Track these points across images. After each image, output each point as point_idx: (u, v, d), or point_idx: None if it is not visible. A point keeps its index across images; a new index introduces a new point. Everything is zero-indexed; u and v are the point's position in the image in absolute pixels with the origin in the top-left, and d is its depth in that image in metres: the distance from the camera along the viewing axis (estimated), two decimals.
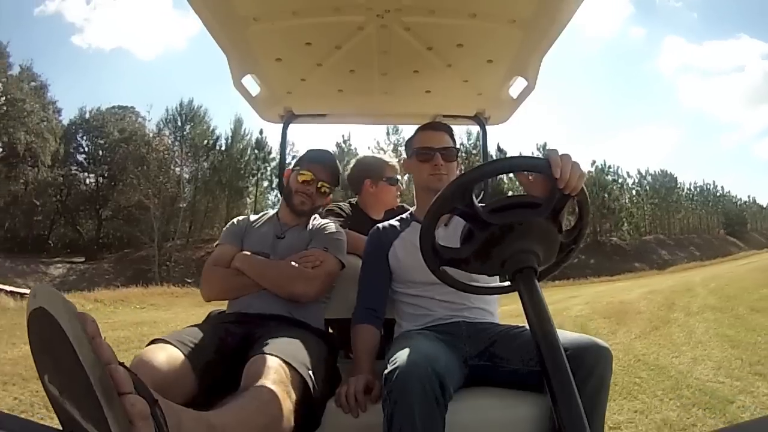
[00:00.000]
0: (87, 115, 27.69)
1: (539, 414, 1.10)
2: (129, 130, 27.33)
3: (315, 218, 1.70)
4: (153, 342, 1.16)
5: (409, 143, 1.53)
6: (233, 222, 1.68)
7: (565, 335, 1.10)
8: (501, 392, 1.18)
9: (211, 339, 1.24)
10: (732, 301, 6.99)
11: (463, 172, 0.95)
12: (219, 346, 1.22)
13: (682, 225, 39.81)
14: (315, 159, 1.64)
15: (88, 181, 28.16)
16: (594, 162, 37.66)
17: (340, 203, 2.18)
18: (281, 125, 2.08)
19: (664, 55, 68.80)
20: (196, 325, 1.37)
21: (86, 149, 27.96)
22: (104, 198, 27.36)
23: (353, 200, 2.18)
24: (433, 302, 1.37)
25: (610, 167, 37.35)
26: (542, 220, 0.84)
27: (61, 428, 0.65)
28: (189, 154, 26.99)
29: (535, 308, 0.77)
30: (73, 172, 27.68)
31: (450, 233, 1.35)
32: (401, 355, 1.02)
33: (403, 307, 1.44)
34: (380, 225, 1.54)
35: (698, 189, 42.33)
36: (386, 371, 1.02)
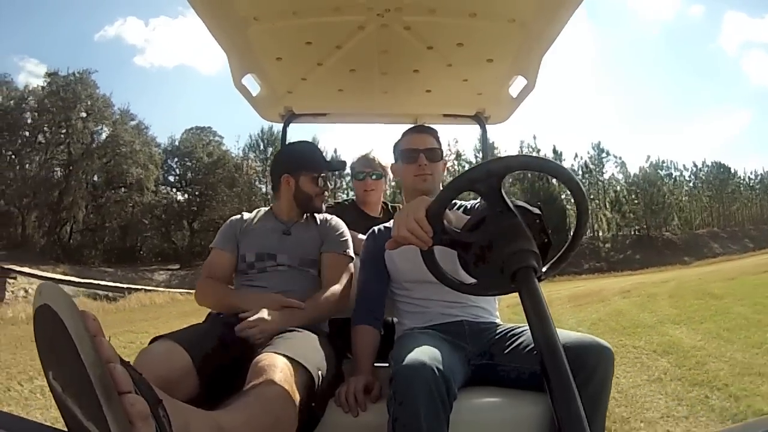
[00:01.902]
0: (176, 143, 33.93)
1: (541, 413, 1.10)
2: (216, 154, 33.44)
3: (326, 216, 1.68)
4: (155, 340, 1.16)
5: (395, 147, 1.55)
6: (228, 223, 1.63)
7: (568, 335, 1.10)
8: (503, 392, 1.18)
9: (213, 338, 1.24)
10: (671, 290, 8.92)
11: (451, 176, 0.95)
12: (221, 345, 1.22)
13: (743, 216, 39.77)
14: (323, 161, 1.67)
15: (179, 198, 33.82)
16: (648, 157, 39.74)
17: (338, 201, 2.24)
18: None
19: (725, 32, 66.22)
20: (197, 324, 1.37)
21: (177, 172, 34.13)
22: (195, 213, 31.91)
23: (352, 198, 2.22)
24: (432, 302, 1.37)
25: (663, 162, 39.23)
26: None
27: (61, 428, 0.65)
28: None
29: (535, 308, 0.77)
30: (165, 191, 33.00)
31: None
32: (407, 356, 1.02)
33: (404, 307, 1.44)
34: (376, 227, 1.55)
35: (758, 177, 41.89)
36: (392, 371, 1.02)
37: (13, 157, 25.07)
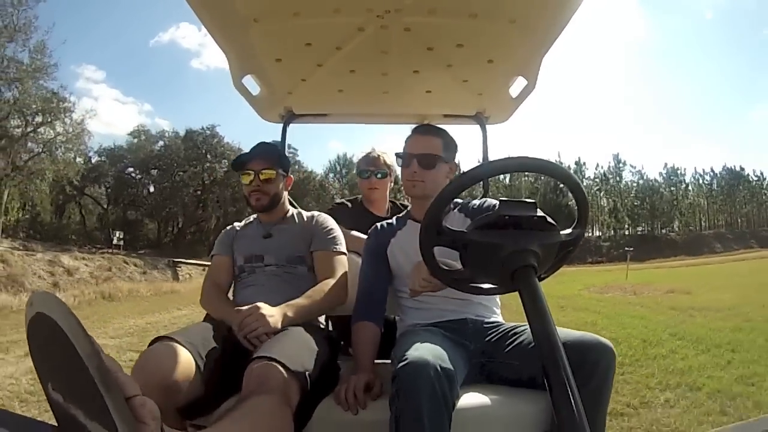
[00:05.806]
0: None
1: (542, 411, 1.10)
2: (301, 171, 40.21)
3: (312, 214, 1.68)
4: (157, 340, 1.15)
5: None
6: (223, 233, 1.69)
7: (569, 333, 1.10)
8: (504, 389, 1.18)
9: (215, 337, 1.24)
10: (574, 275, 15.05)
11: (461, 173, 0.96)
12: (224, 344, 1.23)
13: (758, 218, 43.65)
14: (248, 157, 1.59)
15: None
16: (666, 164, 46.14)
17: (344, 200, 2.22)
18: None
19: None
20: (200, 323, 1.37)
21: None
22: None
23: (359, 196, 2.20)
24: (435, 298, 1.36)
25: (677, 168, 45.02)
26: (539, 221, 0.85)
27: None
28: (347, 191, 40.86)
29: (535, 307, 0.77)
30: None
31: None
32: (410, 353, 1.02)
33: (406, 303, 1.44)
34: (379, 224, 1.55)
35: None
36: (395, 369, 1.02)
37: (150, 183, 35.84)
